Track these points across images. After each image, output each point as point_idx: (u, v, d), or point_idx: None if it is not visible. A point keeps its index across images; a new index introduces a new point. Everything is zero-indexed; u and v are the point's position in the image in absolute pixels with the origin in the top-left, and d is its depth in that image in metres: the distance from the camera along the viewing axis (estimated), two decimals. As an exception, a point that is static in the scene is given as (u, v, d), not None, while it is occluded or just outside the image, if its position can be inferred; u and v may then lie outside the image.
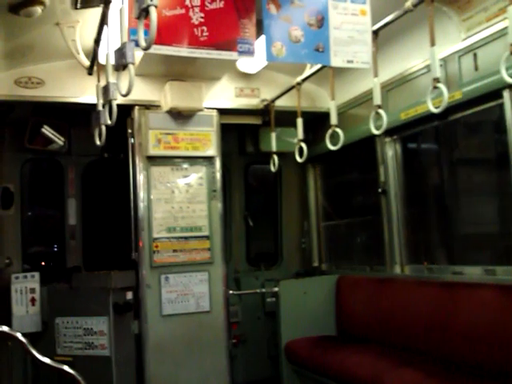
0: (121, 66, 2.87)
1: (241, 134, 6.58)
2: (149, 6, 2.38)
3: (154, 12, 2.36)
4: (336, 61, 3.54)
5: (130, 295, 5.01)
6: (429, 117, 4.42)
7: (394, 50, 4.77)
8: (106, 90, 3.39)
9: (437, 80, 3.28)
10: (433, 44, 3.31)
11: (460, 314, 4.07)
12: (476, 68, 4.10)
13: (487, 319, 3.82)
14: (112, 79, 3.36)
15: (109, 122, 3.47)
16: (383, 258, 5.32)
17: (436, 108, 3.37)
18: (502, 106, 3.92)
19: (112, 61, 3.17)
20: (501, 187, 4.40)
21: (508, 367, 3.56)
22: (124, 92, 2.92)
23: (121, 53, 2.82)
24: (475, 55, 4.10)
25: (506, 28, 3.73)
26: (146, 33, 2.47)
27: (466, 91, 4.11)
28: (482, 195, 4.75)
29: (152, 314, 5.09)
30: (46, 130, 5.38)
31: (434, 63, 3.31)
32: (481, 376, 3.61)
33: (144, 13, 2.43)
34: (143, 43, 2.51)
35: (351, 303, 5.52)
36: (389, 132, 4.92)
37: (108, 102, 3.38)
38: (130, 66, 2.78)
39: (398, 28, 4.03)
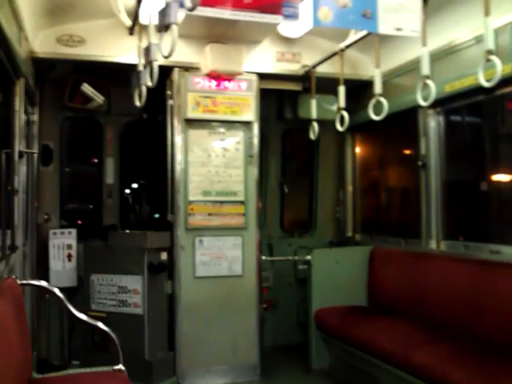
0: (164, 26, 2.82)
1: (280, 100, 6.47)
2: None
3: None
4: (384, 28, 3.42)
5: (164, 256, 5.06)
6: (475, 90, 4.24)
7: (441, 19, 4.57)
8: (147, 51, 3.34)
9: (490, 52, 3.13)
10: (487, 14, 3.15)
11: (495, 294, 3.99)
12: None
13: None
14: (153, 40, 3.31)
15: (149, 84, 3.43)
16: (419, 232, 5.22)
17: (487, 81, 3.23)
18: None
19: (154, 21, 3.12)
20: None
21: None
22: (166, 53, 2.88)
23: (164, 13, 2.77)
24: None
25: None
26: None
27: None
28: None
29: (185, 276, 5.15)
30: (86, 88, 5.37)
31: (487, 34, 3.15)
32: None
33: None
34: (188, 4, 2.45)
35: (384, 276, 5.46)
36: (432, 104, 4.75)
37: (149, 62, 3.34)
38: (174, 27, 2.73)
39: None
